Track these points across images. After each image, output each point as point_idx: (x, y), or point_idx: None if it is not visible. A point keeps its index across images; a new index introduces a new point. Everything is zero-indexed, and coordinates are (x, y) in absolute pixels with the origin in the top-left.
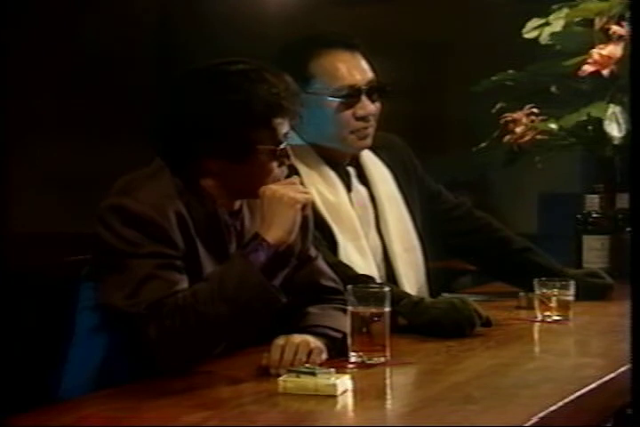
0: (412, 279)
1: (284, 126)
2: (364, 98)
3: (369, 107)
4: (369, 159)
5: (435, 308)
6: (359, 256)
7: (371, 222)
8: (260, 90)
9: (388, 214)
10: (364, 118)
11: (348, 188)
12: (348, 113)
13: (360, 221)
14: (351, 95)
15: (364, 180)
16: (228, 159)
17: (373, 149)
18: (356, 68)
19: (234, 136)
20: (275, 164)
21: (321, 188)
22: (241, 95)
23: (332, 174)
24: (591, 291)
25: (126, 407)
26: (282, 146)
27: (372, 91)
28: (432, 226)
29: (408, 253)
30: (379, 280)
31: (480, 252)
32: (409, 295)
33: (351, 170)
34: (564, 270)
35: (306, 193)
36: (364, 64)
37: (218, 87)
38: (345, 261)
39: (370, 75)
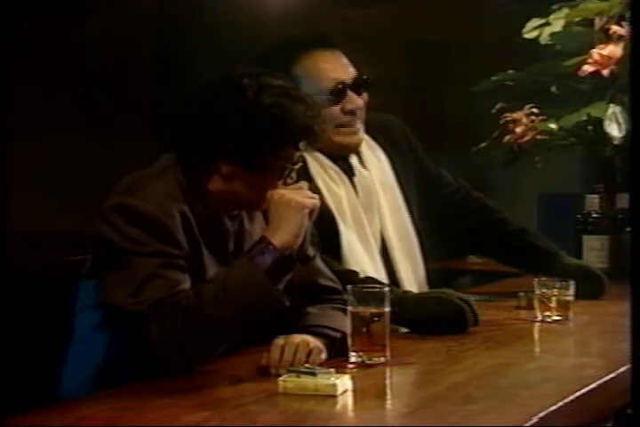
0: (408, 268)
1: (304, 147)
2: (350, 93)
3: (357, 100)
4: (366, 144)
5: (422, 304)
6: (361, 246)
7: (374, 207)
8: (297, 110)
9: (382, 203)
10: (351, 112)
11: (352, 173)
12: (337, 108)
13: (364, 207)
14: (338, 92)
15: (363, 165)
16: (243, 166)
17: (369, 131)
18: (338, 66)
19: (260, 147)
20: (281, 181)
21: (326, 178)
22: (280, 111)
23: (334, 166)
24: (583, 284)
25: (126, 407)
26: (296, 166)
27: (357, 85)
28: (429, 210)
29: (403, 242)
30: (384, 281)
31: (476, 233)
32: (395, 289)
33: (352, 156)
34: (560, 254)
35: (313, 198)
36: (345, 61)
37: (259, 97)
38: (347, 250)
39: (352, 70)
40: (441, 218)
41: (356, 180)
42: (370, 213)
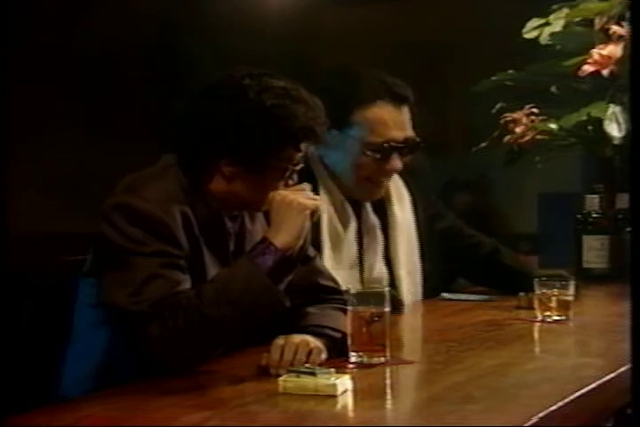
0: (410, 295)
1: (305, 148)
2: (395, 155)
3: (398, 164)
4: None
5: None
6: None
7: (378, 251)
8: (298, 111)
9: (399, 239)
10: (387, 173)
11: (359, 216)
12: (375, 164)
13: (365, 249)
14: (385, 151)
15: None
16: (244, 167)
17: None
18: (397, 125)
19: (261, 148)
20: (282, 182)
21: (332, 212)
22: (281, 112)
23: (346, 204)
24: None
25: (126, 407)
26: (297, 167)
27: (406, 148)
28: (429, 243)
29: (410, 276)
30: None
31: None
32: None
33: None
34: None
35: (315, 199)
36: (407, 120)
37: (261, 98)
38: None
39: (408, 132)
40: (421, 245)
41: (362, 223)
42: (372, 255)
